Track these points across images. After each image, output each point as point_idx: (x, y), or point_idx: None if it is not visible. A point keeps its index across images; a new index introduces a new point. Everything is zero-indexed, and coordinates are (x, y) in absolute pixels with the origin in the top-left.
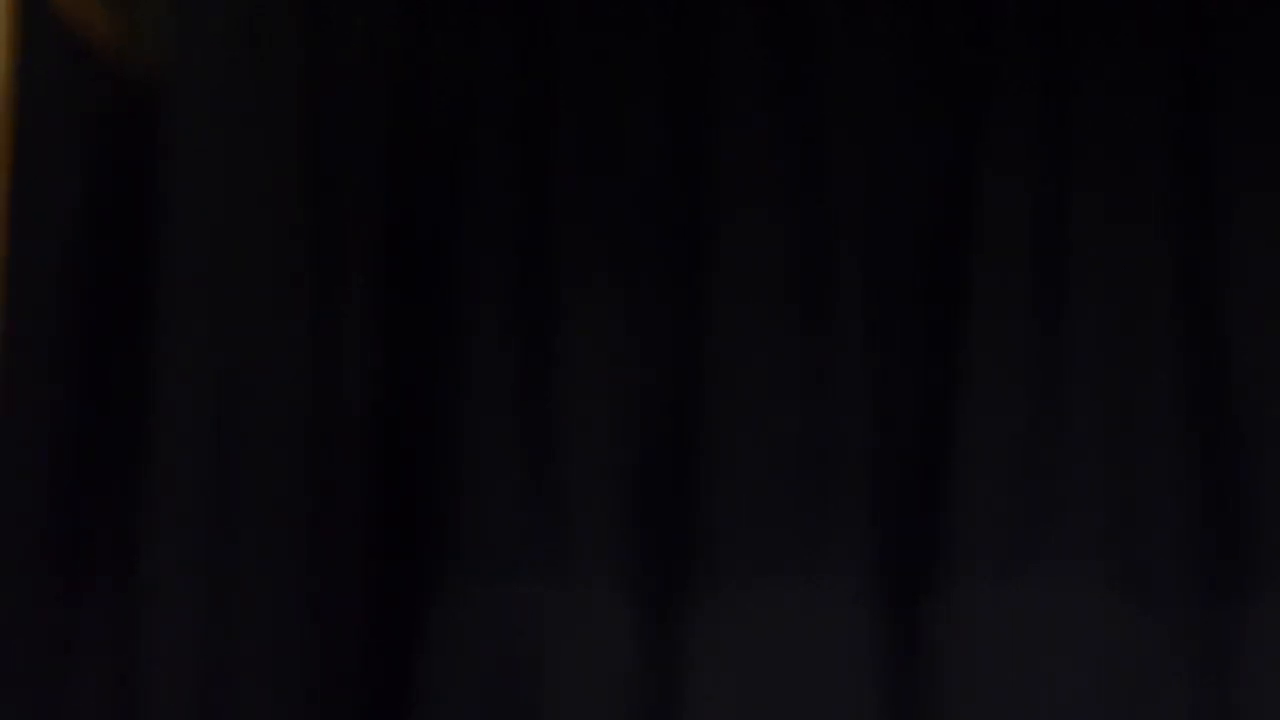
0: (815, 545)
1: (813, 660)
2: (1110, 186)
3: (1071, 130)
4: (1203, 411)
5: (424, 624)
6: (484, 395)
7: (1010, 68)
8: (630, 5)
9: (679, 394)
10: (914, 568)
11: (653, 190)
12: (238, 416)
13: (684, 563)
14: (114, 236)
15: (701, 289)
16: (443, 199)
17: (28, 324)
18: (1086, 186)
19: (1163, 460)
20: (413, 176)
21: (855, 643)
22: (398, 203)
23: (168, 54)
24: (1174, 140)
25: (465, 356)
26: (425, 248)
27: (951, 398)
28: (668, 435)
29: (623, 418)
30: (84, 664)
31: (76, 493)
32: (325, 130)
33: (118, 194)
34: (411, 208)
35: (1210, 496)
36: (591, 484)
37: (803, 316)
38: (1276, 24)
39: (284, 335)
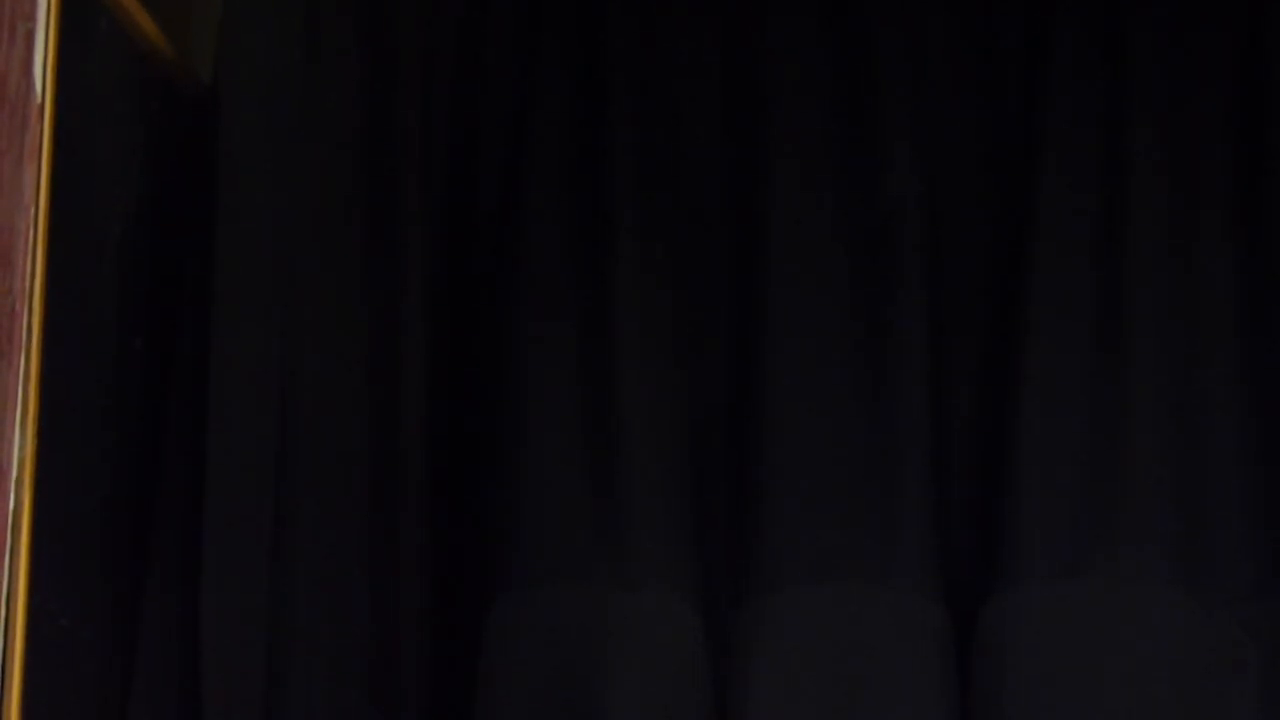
0: (876, 547)
1: (875, 662)
2: (1172, 183)
3: (1132, 112)
4: (1267, 405)
5: (483, 627)
6: (543, 398)
7: (1070, 42)
8: None
9: (737, 397)
10: (976, 568)
11: (707, 184)
12: (295, 419)
13: (743, 566)
14: (163, 238)
15: (760, 291)
16: (499, 195)
17: (72, 327)
18: (1149, 163)
19: (1227, 454)
20: (470, 167)
21: (918, 644)
22: (454, 200)
23: (220, 50)
24: (1236, 125)
25: (523, 360)
26: (482, 249)
27: (1012, 396)
28: (726, 438)
29: (681, 421)
30: (145, 667)
31: (131, 496)
32: (381, 118)
33: (167, 195)
34: (468, 204)
35: (1277, 489)
36: (651, 486)
37: (862, 317)
38: None
39: (341, 336)
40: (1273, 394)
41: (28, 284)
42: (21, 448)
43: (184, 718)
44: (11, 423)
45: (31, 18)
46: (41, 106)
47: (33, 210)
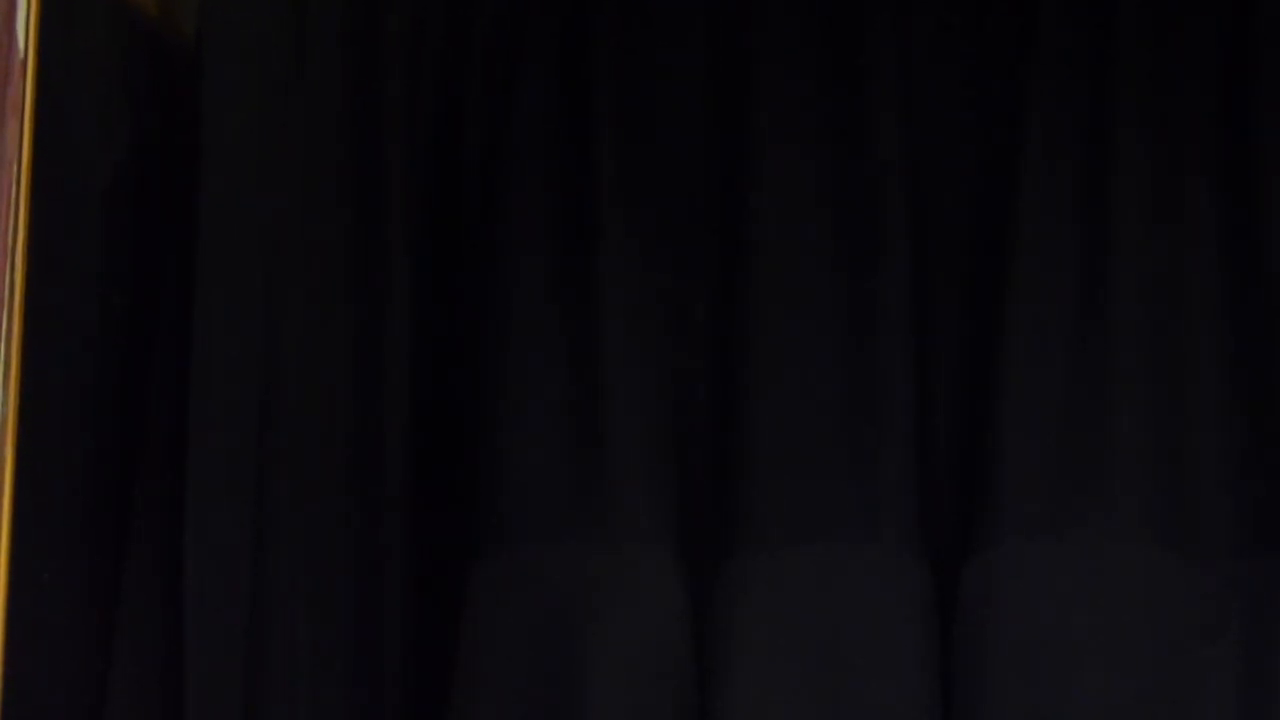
0: (858, 506)
1: (858, 621)
2: (1156, 135)
3: (1118, 73)
4: (1249, 360)
5: (465, 587)
6: (526, 358)
7: (1058, 9)
8: None
9: (721, 355)
10: (958, 527)
11: (693, 142)
12: (277, 380)
13: (727, 525)
14: (148, 194)
15: (743, 251)
16: (485, 157)
17: (54, 302)
18: (1133, 130)
19: (1209, 412)
20: (455, 129)
21: (901, 602)
22: (439, 161)
23: (203, 5)
24: (1222, 88)
25: (507, 320)
26: (468, 208)
27: (995, 351)
28: (709, 397)
29: (665, 379)
30: (127, 631)
31: (114, 461)
32: (366, 86)
33: (152, 150)
34: (453, 164)
35: (1258, 447)
36: (634, 445)
37: (845, 278)
38: None
39: (325, 296)
40: (1255, 350)
41: (10, 241)
42: (4, 405)
43: (167, 681)
44: None
45: None
46: (24, 62)
47: (15, 167)
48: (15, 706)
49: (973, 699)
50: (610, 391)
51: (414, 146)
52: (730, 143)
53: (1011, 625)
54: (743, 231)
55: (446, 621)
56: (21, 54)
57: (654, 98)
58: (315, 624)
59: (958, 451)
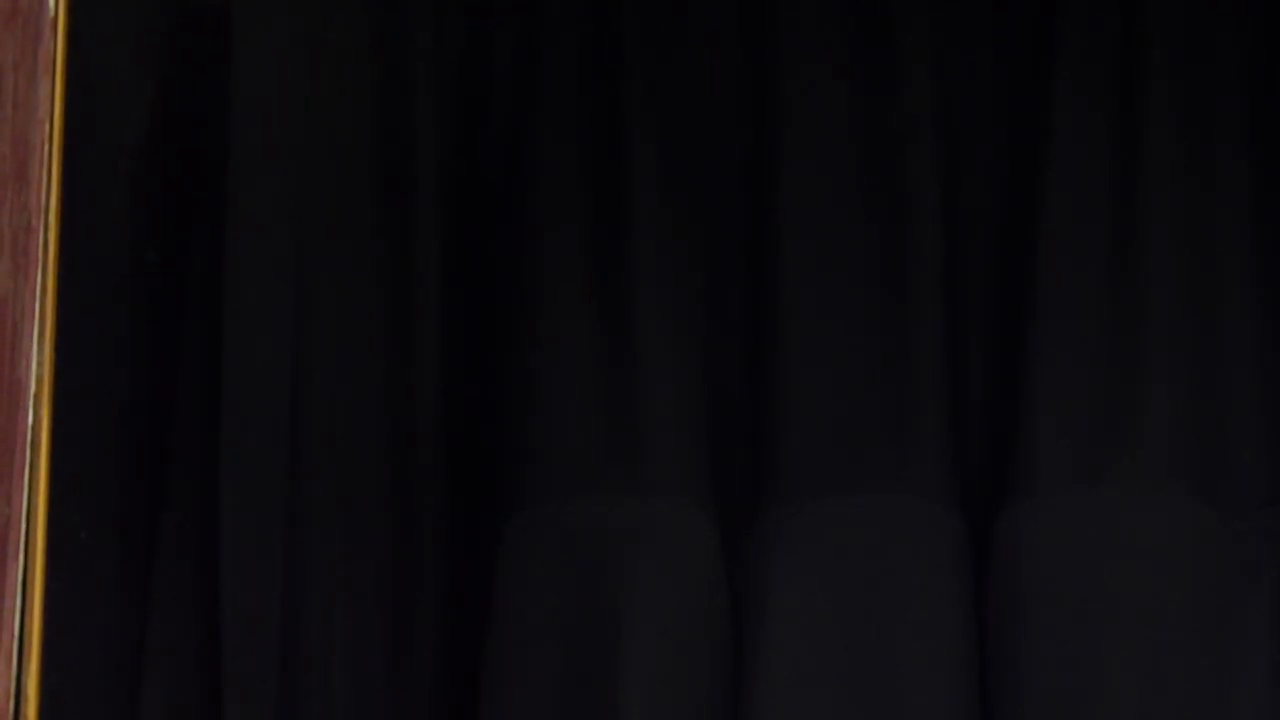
0: (893, 457)
1: (892, 571)
2: (1188, 96)
3: (1149, 27)
4: None
5: (501, 543)
6: (557, 314)
7: None
8: None
9: (752, 308)
10: (992, 479)
11: (723, 93)
12: (310, 337)
13: (760, 476)
14: (179, 152)
15: (775, 198)
16: (514, 108)
17: (89, 242)
18: (1165, 82)
19: (1242, 362)
20: (482, 95)
21: (935, 554)
22: (467, 126)
23: None
24: (1254, 32)
25: (538, 275)
26: (497, 166)
27: (1027, 303)
28: (741, 349)
29: (698, 331)
30: (163, 579)
31: (148, 411)
32: (393, 49)
33: (183, 107)
34: (480, 129)
35: None
36: (667, 399)
37: (878, 226)
38: None
39: (356, 256)
40: None
41: (44, 200)
42: (40, 364)
43: (203, 629)
44: (30, 338)
45: None
46: (55, 20)
47: (48, 126)
48: (53, 660)
49: (1006, 649)
50: (642, 346)
51: (442, 109)
52: (760, 97)
53: (1045, 576)
54: (773, 186)
55: (482, 580)
56: (52, 13)
57: (683, 50)
58: (351, 584)
59: (991, 403)
